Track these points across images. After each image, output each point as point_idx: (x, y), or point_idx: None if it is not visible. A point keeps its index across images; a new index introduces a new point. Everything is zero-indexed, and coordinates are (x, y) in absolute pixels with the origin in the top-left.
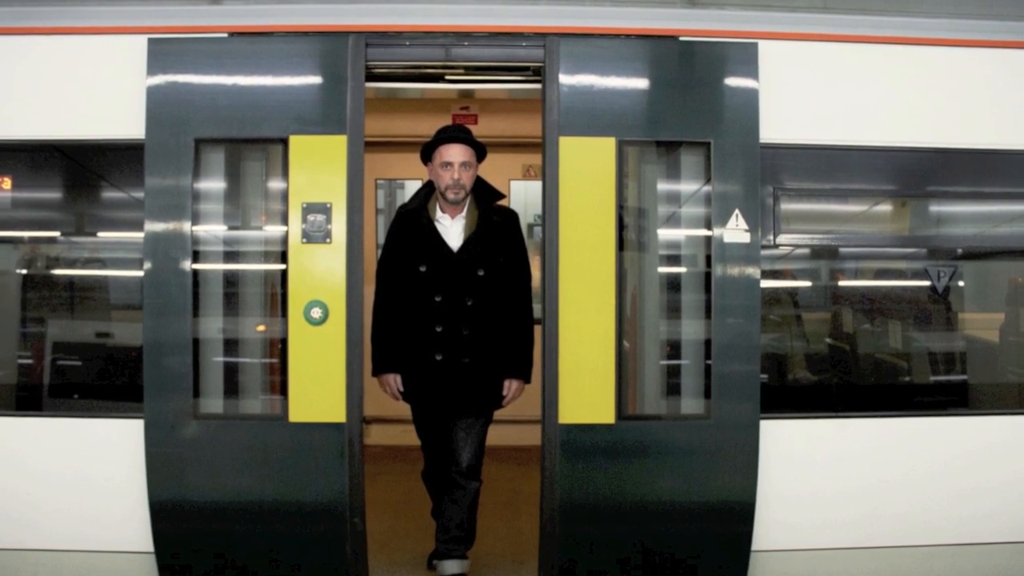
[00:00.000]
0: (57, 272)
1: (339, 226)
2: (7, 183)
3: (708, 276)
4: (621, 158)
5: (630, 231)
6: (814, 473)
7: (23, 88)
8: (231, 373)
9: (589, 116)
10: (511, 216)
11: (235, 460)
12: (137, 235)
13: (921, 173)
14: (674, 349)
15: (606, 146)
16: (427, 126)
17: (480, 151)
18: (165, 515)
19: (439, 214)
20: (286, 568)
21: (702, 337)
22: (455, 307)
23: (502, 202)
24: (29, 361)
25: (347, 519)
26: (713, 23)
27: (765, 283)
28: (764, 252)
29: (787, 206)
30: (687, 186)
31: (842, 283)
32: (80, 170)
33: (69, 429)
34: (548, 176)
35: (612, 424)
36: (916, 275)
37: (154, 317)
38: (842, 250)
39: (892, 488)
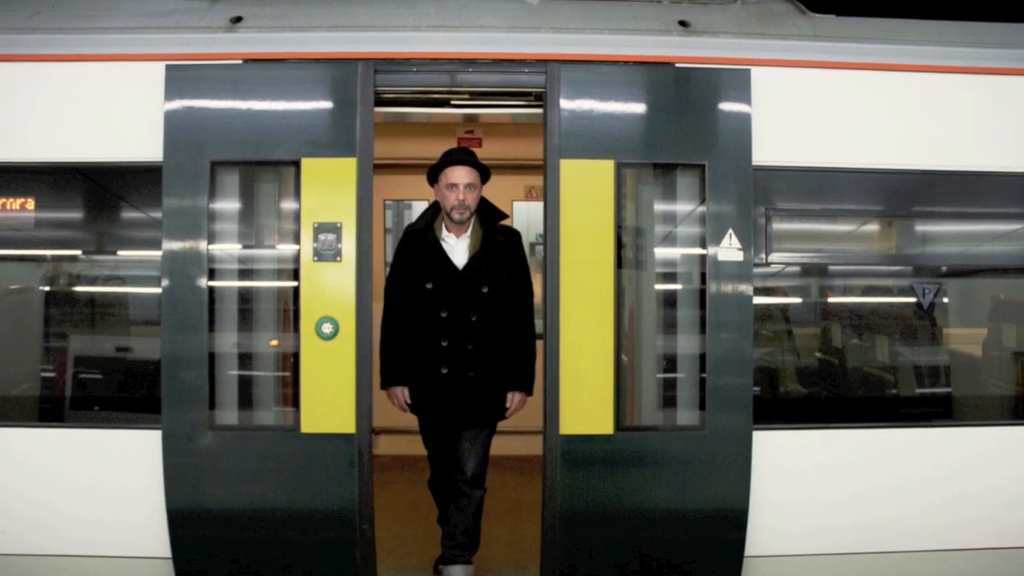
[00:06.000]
0: (78, 289)
1: (349, 245)
2: (31, 203)
3: (703, 293)
4: (619, 180)
5: (628, 250)
6: (805, 481)
7: (46, 112)
8: (245, 386)
9: (589, 139)
10: (514, 235)
11: (249, 469)
12: (155, 254)
13: (907, 194)
14: (670, 363)
15: (605, 168)
16: (433, 149)
17: (484, 173)
18: (182, 522)
19: (445, 233)
20: (298, 573)
21: (697, 351)
22: (460, 323)
23: (505, 222)
24: (51, 374)
25: (357, 526)
26: (707, 50)
27: (757, 299)
28: (756, 270)
29: (779, 226)
30: (683, 206)
31: (831, 299)
32: (100, 191)
33: (90, 439)
34: (549, 197)
35: (611, 435)
36: (902, 292)
37: (171, 332)
38: (831, 268)
39: (880, 496)
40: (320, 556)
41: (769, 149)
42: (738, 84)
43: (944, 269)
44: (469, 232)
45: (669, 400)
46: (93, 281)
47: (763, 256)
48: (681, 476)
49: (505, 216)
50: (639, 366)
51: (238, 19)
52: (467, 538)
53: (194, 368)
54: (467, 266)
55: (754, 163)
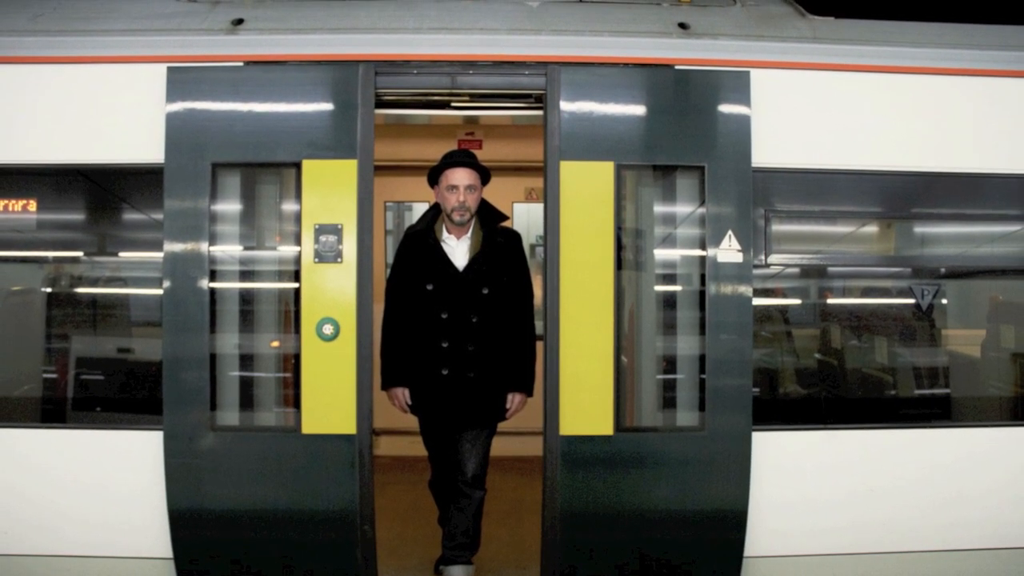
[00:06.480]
0: (80, 290)
1: (350, 246)
2: (33, 205)
3: (702, 294)
4: (619, 181)
5: (628, 251)
6: (804, 482)
7: (48, 114)
8: (246, 387)
9: (589, 141)
10: (514, 237)
11: (250, 470)
12: (157, 255)
13: (906, 196)
14: (670, 364)
15: (605, 170)
16: (434, 151)
17: (484, 175)
18: (184, 523)
19: (445, 235)
20: (299, 573)
21: (696, 352)
22: (460, 324)
23: (505, 223)
24: (54, 375)
25: (358, 526)
26: (707, 52)
27: (757, 301)
28: (756, 271)
29: (778, 227)
30: (682, 208)
31: (830, 301)
32: (102, 193)
33: (92, 440)
34: (550, 199)
35: (611, 436)
36: (901, 293)
37: (173, 333)
38: (830, 269)
39: (878, 497)
40: (321, 557)
41: (768, 151)
42: (737, 86)
43: (943, 270)
44: (469, 234)
45: (669, 401)
46: (95, 283)
47: (762, 258)
48: (681, 477)
49: (505, 218)
50: (639, 367)
51: (239, 21)
52: (467, 538)
53: (195, 369)
54: (467, 268)
55: (753, 165)
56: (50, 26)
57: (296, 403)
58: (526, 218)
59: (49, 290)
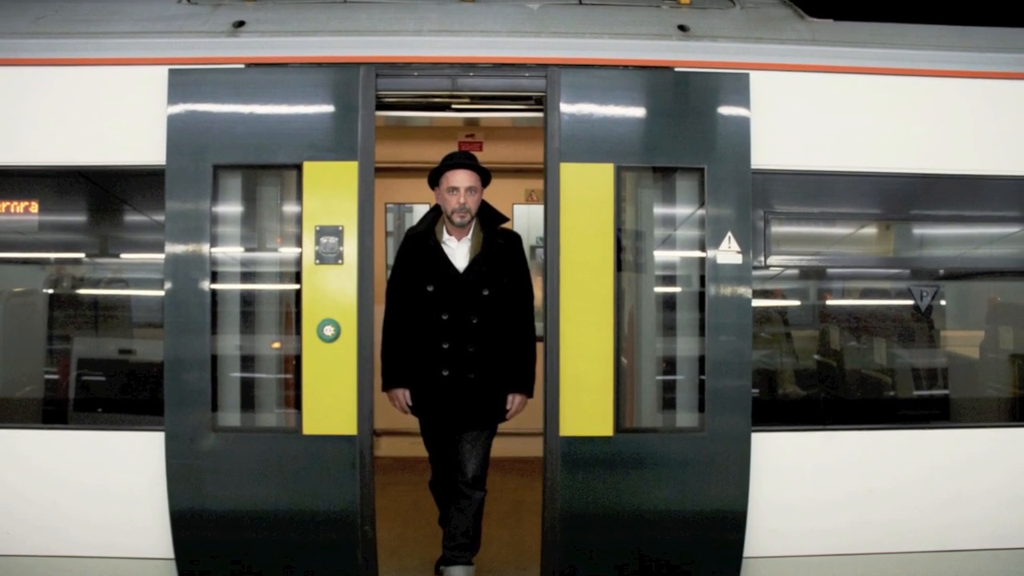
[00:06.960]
0: (82, 291)
1: (351, 248)
2: (34, 207)
3: (702, 296)
4: (619, 183)
5: (628, 252)
6: (803, 483)
7: (49, 116)
8: (248, 388)
9: (589, 143)
10: (514, 238)
11: (251, 471)
12: (158, 256)
13: (905, 197)
14: (669, 365)
15: (605, 172)
16: (434, 152)
17: (485, 176)
18: (185, 523)
19: (446, 236)
20: (300, 574)
21: (696, 354)
22: (461, 325)
23: (506, 225)
24: (55, 376)
25: (358, 527)
26: (706, 55)
27: (756, 302)
28: (755, 273)
29: (777, 229)
30: (682, 210)
31: (829, 302)
32: (103, 194)
33: (93, 441)
34: (550, 200)
35: (610, 437)
36: (900, 295)
37: (175, 335)
38: (830, 271)
39: (878, 497)
40: (322, 557)
41: (768, 153)
42: (737, 88)
43: (942, 272)
44: (470, 235)
45: (668, 402)
46: (96, 284)
47: (762, 259)
48: (680, 478)
49: (506, 219)
50: (639, 368)
51: (240, 23)
52: (468, 539)
53: (197, 370)
54: (468, 269)
55: (753, 166)
56: (52, 28)
57: (297, 404)
58: (526, 220)
59: (51, 291)
